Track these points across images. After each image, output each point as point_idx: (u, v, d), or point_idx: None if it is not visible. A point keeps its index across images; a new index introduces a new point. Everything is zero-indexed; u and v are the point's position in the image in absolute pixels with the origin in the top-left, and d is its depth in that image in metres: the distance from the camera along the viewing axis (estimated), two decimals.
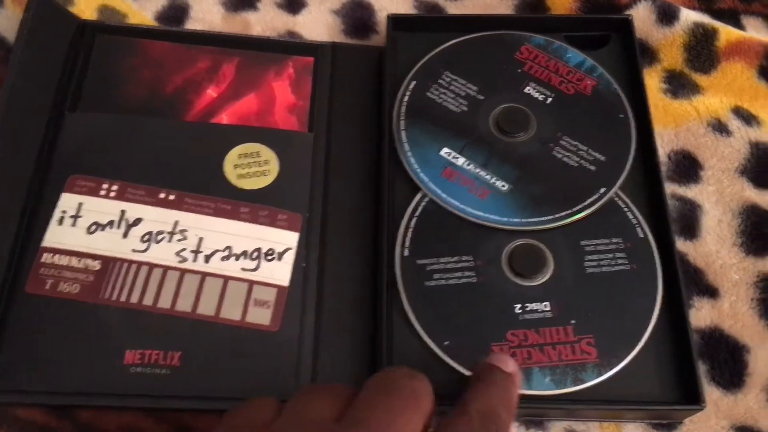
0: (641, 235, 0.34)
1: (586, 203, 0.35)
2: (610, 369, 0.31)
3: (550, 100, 0.38)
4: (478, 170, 0.36)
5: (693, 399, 0.30)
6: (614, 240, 0.34)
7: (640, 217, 0.35)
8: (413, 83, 0.38)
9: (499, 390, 0.27)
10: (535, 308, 0.32)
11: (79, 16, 0.40)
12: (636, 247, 0.34)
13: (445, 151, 0.36)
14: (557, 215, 0.34)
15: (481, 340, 0.32)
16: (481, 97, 0.38)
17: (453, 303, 0.33)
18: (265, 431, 0.22)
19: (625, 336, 0.32)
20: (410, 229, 0.34)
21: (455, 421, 0.24)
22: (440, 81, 0.38)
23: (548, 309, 0.32)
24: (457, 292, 0.33)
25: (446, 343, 0.31)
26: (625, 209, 0.35)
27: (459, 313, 0.32)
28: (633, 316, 0.32)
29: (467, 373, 0.31)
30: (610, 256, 0.34)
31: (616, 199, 0.35)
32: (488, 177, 0.35)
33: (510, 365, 0.27)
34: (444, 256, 0.34)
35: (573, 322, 0.32)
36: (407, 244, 0.34)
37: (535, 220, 0.34)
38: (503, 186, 0.35)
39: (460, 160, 0.36)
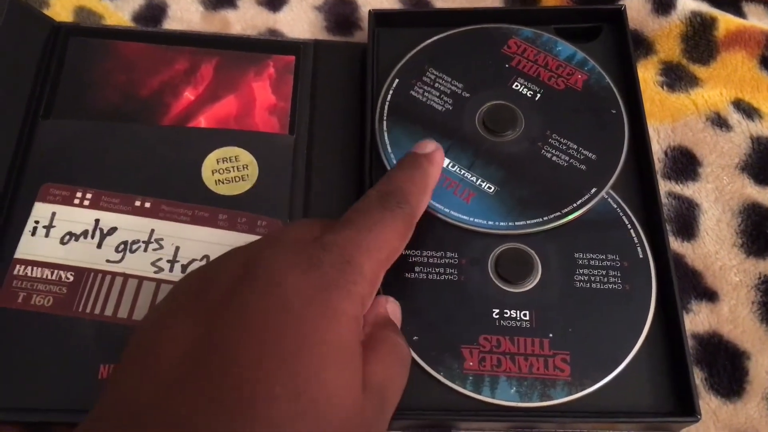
0: (641, 256, 0.32)
1: (575, 204, 0.33)
2: (581, 389, 0.29)
3: (538, 96, 0.36)
4: (463, 172, 0.34)
5: (688, 410, 0.29)
6: (610, 257, 0.32)
7: (643, 236, 0.33)
8: (396, 81, 0.37)
9: (405, 169, 0.28)
10: (513, 316, 0.31)
11: (53, 18, 0.39)
12: (633, 268, 0.32)
13: None
14: (545, 218, 0.33)
15: (452, 340, 0.31)
16: (467, 95, 0.36)
17: (430, 299, 0.31)
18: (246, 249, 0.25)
19: (603, 358, 0.30)
20: None
21: (355, 204, 0.26)
22: (424, 78, 0.37)
23: (527, 318, 0.31)
24: (436, 289, 0.32)
25: (415, 338, 0.30)
26: (629, 226, 0.33)
27: (434, 310, 0.31)
28: (616, 339, 0.31)
29: (432, 371, 0.30)
30: (603, 272, 0.32)
31: (620, 213, 0.33)
32: (474, 179, 0.34)
33: (428, 146, 0.30)
34: (428, 250, 0.33)
35: (551, 335, 0.31)
36: None
37: (523, 223, 0.33)
38: (489, 188, 0.34)
39: (445, 162, 0.34)
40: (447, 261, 0.32)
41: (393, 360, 0.25)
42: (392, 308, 0.28)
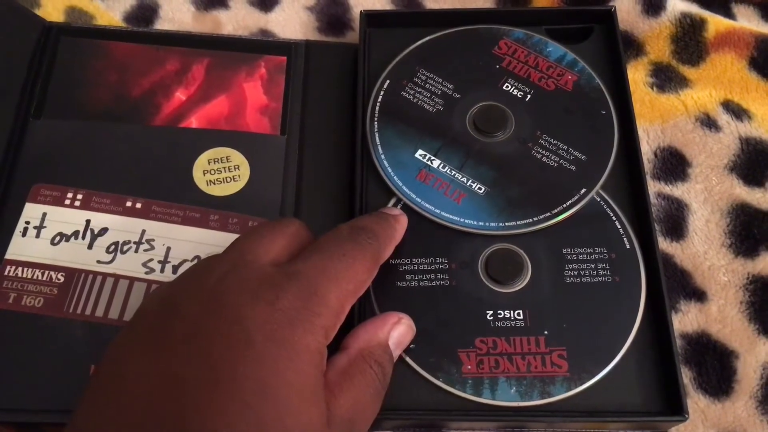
0: (627, 246, 0.33)
1: (565, 205, 0.33)
2: (581, 384, 0.30)
3: (529, 97, 0.36)
4: (454, 173, 0.34)
5: (676, 410, 0.29)
6: (597, 250, 0.32)
7: (629, 227, 0.33)
8: (387, 82, 0.37)
9: (374, 216, 0.30)
10: (507, 316, 0.31)
11: (45, 18, 0.39)
12: (621, 259, 0.32)
13: (420, 153, 0.35)
14: (535, 218, 0.33)
15: (448, 345, 0.31)
16: (458, 96, 0.36)
17: (423, 306, 0.31)
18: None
19: (599, 351, 0.30)
20: None
21: (325, 235, 0.27)
22: (415, 79, 0.37)
23: (521, 318, 0.31)
24: (428, 295, 0.32)
25: (411, 346, 0.30)
26: (614, 218, 0.33)
27: (428, 316, 0.31)
28: (610, 331, 0.31)
29: (431, 378, 0.30)
30: (592, 266, 0.32)
31: (604, 206, 0.33)
32: (464, 180, 0.34)
33: (395, 210, 0.32)
34: (418, 257, 0.33)
35: (546, 332, 0.31)
36: None
37: (513, 224, 0.33)
38: (480, 189, 0.34)
39: (436, 163, 0.34)
40: (437, 266, 0.32)
41: (364, 393, 0.25)
42: (401, 332, 0.28)
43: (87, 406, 0.22)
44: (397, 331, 0.28)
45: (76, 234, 0.34)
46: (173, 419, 0.20)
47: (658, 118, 0.38)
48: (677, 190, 0.36)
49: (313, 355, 0.23)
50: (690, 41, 0.39)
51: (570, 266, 0.32)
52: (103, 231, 0.34)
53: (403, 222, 0.31)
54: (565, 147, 0.35)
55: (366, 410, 0.25)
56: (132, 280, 0.33)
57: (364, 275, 0.26)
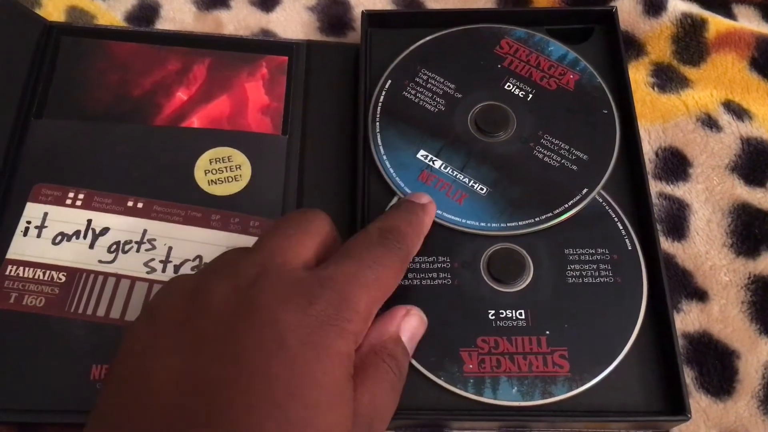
0: (629, 247, 0.33)
1: (567, 205, 0.33)
2: (582, 384, 0.30)
3: (531, 96, 0.36)
4: (455, 173, 0.34)
5: (678, 409, 0.29)
6: (599, 250, 0.32)
7: (630, 228, 0.33)
8: (389, 82, 0.37)
9: (403, 212, 0.29)
10: (509, 315, 0.31)
11: (45, 18, 0.39)
12: (623, 260, 0.32)
13: (421, 154, 0.35)
14: (537, 219, 0.33)
15: (450, 344, 0.31)
16: (459, 96, 0.36)
17: (425, 304, 0.31)
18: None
19: (601, 351, 0.30)
20: None
21: (354, 238, 0.27)
22: (417, 79, 0.37)
23: (523, 317, 0.31)
24: (430, 294, 0.32)
25: None
26: (615, 219, 0.33)
27: (430, 315, 0.31)
28: (612, 331, 0.31)
29: (433, 377, 0.30)
30: (594, 267, 0.32)
31: (606, 207, 0.34)
32: (466, 180, 0.34)
33: (423, 198, 0.31)
34: (420, 256, 0.32)
35: (547, 332, 0.31)
36: None
37: (514, 224, 0.33)
38: (482, 189, 0.34)
39: (438, 163, 0.34)
40: (439, 265, 0.32)
41: (381, 388, 0.25)
42: (412, 324, 0.28)
43: (109, 401, 0.22)
44: (408, 324, 0.28)
45: (77, 234, 0.34)
46: (202, 419, 0.20)
47: (659, 118, 0.38)
48: (678, 190, 0.36)
49: (343, 358, 0.23)
50: (691, 41, 0.39)
51: (572, 266, 0.32)
52: (105, 231, 0.34)
53: (431, 212, 0.30)
54: (567, 147, 0.35)
55: (383, 405, 0.25)
56: (133, 279, 0.33)
57: (392, 281, 0.26)
